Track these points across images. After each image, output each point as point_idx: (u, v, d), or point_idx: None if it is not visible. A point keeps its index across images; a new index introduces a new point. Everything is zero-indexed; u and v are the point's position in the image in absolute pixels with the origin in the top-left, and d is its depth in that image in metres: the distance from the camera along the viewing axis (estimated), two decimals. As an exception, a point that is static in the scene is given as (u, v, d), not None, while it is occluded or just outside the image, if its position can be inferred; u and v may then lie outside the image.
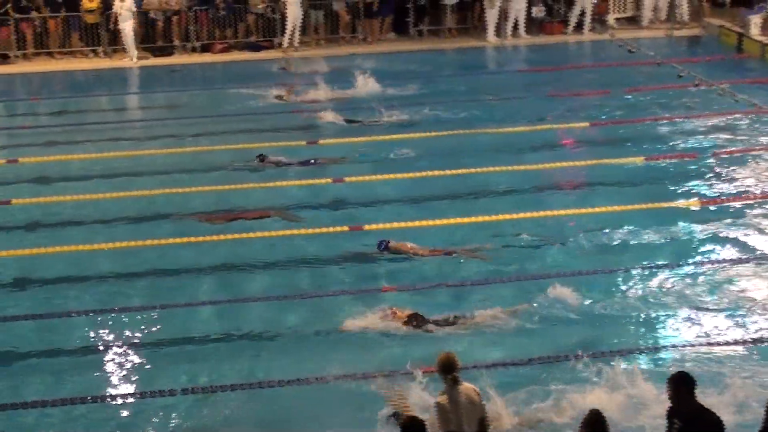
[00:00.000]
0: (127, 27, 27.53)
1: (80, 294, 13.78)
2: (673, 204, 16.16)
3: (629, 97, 22.72)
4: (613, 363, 10.94)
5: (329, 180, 17.81)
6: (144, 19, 28.62)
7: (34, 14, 28.04)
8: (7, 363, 12.05)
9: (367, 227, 15.46)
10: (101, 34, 28.25)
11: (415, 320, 12.42)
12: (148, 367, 11.95)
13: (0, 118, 23.70)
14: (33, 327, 12.91)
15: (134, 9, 27.64)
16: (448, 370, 9.27)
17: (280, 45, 28.86)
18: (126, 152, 19.70)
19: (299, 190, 17.39)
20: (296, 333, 12.53)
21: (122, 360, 12.07)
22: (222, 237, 15.40)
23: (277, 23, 29.01)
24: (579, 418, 8.53)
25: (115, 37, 28.23)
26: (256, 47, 28.92)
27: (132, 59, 27.69)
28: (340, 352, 11.90)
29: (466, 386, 9.29)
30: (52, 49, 28.35)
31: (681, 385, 8.49)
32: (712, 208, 16.04)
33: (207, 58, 28.26)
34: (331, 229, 15.51)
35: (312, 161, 18.62)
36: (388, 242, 14.45)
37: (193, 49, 28.82)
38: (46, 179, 18.25)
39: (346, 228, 15.55)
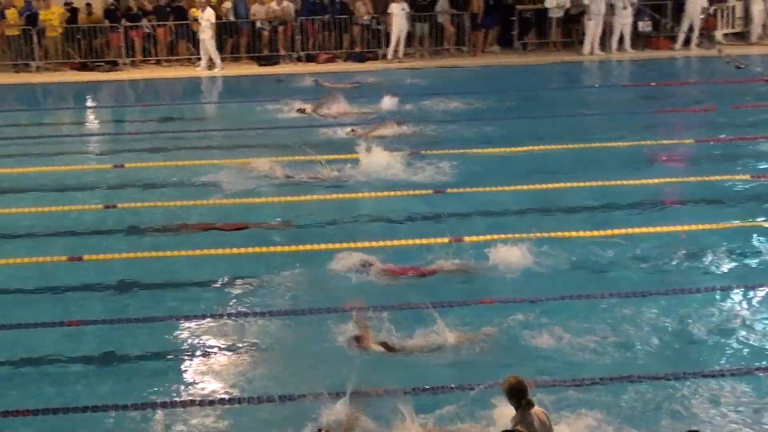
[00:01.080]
0: (207, 37, 27.94)
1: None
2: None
3: (736, 114, 22.32)
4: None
5: (430, 191, 17.66)
6: (251, 28, 29.00)
7: (144, 22, 28.60)
8: None
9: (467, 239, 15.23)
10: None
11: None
12: None
13: (108, 124, 24.13)
14: None
15: (213, 20, 28.08)
16: (521, 394, 8.88)
17: (384, 56, 29.00)
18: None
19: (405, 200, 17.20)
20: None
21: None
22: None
23: (381, 34, 29.15)
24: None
25: (221, 46, 28.69)
26: (360, 58, 29.07)
27: (217, 68, 28.15)
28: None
29: (537, 409, 8.90)
30: (159, 57, 28.90)
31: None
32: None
33: (311, 68, 28.49)
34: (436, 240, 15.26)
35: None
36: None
37: (298, 59, 29.09)
38: (151, 185, 18.40)
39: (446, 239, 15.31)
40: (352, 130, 20.55)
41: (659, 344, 11.70)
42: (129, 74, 28.18)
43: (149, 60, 28.99)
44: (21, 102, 26.18)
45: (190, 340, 12.10)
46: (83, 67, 28.39)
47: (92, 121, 24.43)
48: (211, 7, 28.38)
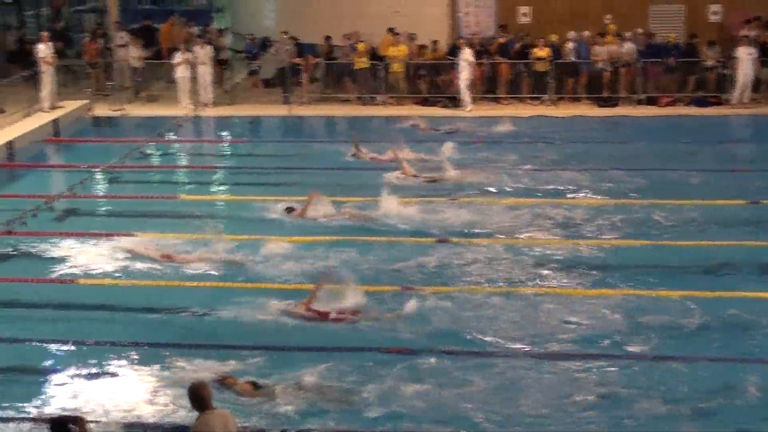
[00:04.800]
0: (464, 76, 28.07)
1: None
2: None
3: None
4: None
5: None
6: (591, 69, 28.80)
7: (484, 60, 28.99)
8: None
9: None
10: (548, 82, 28.72)
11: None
12: None
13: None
14: None
15: (471, 59, 28.04)
16: (200, 399, 9.60)
17: (727, 101, 28.01)
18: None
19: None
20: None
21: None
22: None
23: (727, 79, 28.17)
24: None
25: (561, 86, 28.63)
26: (703, 102, 28.19)
27: (466, 108, 28.17)
28: None
29: (221, 412, 9.67)
30: (499, 95, 29.18)
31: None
32: None
33: (650, 111, 27.90)
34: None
35: None
36: None
37: (639, 102, 28.57)
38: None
39: None
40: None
41: None
42: (471, 112, 28.49)
43: (488, 97, 29.28)
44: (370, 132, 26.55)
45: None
46: (425, 102, 29.05)
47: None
48: (549, 46, 28.44)
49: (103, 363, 13.48)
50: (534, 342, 13.87)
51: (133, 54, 30.58)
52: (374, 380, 12.71)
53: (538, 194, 20.53)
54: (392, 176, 21.44)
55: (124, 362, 13.50)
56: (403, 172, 21.52)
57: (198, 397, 9.70)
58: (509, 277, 16.24)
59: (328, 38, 30.00)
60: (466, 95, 28.44)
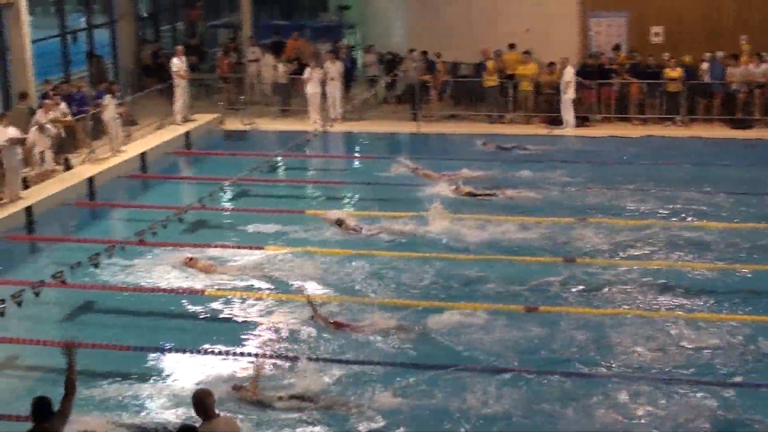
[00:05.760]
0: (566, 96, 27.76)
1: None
2: None
3: None
4: None
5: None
6: (725, 90, 28.24)
7: (614, 79, 28.67)
8: None
9: None
10: (680, 103, 28.26)
11: None
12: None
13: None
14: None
15: (572, 78, 27.86)
16: (203, 407, 9.83)
17: None
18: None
19: None
20: None
21: None
22: None
23: None
24: None
25: (693, 106, 28.18)
26: None
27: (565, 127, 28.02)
28: None
29: (225, 418, 10.12)
30: (630, 115, 28.82)
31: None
32: None
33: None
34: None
35: None
36: None
37: (773, 124, 27.98)
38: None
39: None
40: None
41: None
42: (599, 130, 28.22)
43: (616, 116, 28.95)
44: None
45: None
46: (553, 122, 28.81)
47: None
48: (681, 66, 27.98)
49: (226, 372, 13.70)
50: (655, 366, 13.76)
51: (268, 66, 31.04)
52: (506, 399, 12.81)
53: (663, 215, 20.47)
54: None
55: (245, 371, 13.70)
56: (455, 191, 22.06)
57: (203, 404, 9.88)
58: (635, 298, 16.09)
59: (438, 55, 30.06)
60: (567, 114, 28.27)
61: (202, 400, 9.90)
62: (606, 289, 16.48)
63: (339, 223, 19.56)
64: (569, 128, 28.27)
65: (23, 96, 24.58)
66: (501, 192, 21.90)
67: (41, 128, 22.64)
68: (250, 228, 20.13)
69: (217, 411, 9.98)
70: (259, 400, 12.77)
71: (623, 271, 17.21)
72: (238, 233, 19.95)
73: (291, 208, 21.50)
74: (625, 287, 16.53)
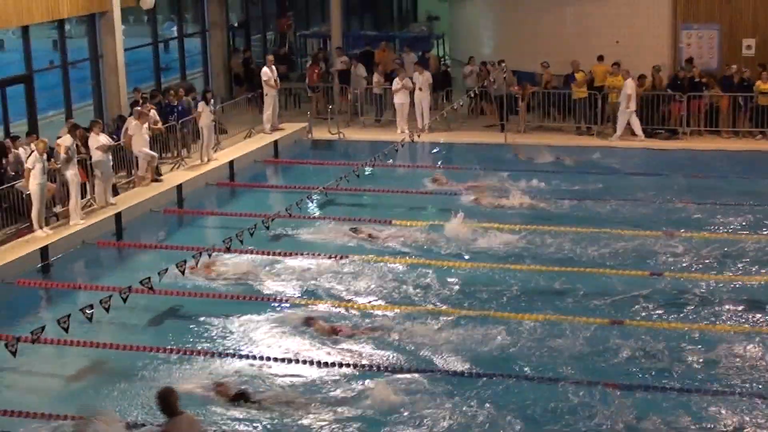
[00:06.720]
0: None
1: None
2: None
3: None
4: None
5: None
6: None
7: (705, 92, 28.31)
8: None
9: None
10: (773, 117, 27.89)
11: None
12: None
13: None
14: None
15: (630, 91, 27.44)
16: (167, 404, 10.10)
17: None
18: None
19: None
20: None
21: None
22: None
23: None
24: None
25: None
26: None
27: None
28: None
29: (188, 416, 10.25)
30: (720, 128, 28.44)
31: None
32: None
33: None
34: None
35: None
36: None
37: None
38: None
39: None
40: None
41: None
42: (687, 143, 27.91)
43: (708, 129, 28.58)
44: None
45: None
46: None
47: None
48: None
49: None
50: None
51: (358, 77, 31.25)
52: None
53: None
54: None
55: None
56: (477, 200, 22.83)
57: (167, 402, 10.14)
58: (719, 313, 16.00)
59: (545, 65, 29.95)
60: (621, 125, 28.19)
61: (166, 398, 10.19)
62: (691, 303, 16.48)
63: (354, 230, 20.34)
64: (615, 139, 28.27)
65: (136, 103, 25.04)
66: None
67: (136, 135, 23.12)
68: (338, 236, 20.39)
69: (180, 409, 10.25)
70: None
71: (710, 285, 17.13)
72: (320, 245, 20.02)
73: (377, 217, 21.58)
74: (711, 301, 16.57)
